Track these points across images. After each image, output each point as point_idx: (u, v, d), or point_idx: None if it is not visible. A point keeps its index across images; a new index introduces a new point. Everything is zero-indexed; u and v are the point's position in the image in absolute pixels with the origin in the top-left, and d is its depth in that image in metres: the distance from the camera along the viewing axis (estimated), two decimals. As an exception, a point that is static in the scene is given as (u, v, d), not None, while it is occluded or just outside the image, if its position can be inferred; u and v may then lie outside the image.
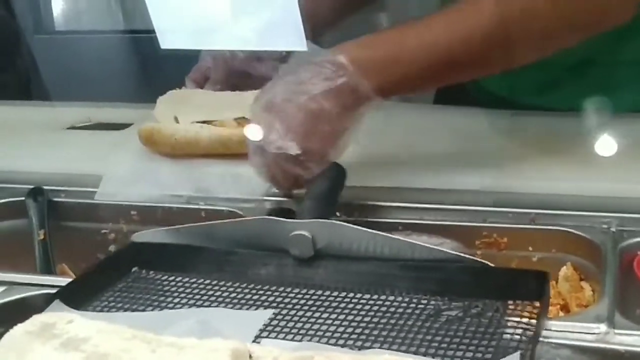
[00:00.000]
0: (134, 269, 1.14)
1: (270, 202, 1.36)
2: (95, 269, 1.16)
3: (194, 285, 1.09)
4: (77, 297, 1.06)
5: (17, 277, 1.18)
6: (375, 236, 1.07)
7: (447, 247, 1.26)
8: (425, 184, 1.35)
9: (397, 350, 0.91)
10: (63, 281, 1.18)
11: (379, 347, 0.91)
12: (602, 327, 0.98)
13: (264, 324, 0.98)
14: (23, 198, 1.44)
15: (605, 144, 1.40)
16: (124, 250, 1.18)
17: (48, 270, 1.34)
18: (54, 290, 1.13)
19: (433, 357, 0.88)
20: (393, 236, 1.08)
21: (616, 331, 0.98)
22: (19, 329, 0.91)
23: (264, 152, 1.26)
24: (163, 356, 0.85)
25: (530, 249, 1.24)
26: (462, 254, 1.04)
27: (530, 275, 1.02)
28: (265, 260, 1.10)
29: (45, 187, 1.45)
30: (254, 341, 0.94)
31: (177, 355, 0.85)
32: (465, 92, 1.69)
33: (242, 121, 1.43)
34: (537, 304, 0.97)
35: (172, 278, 1.11)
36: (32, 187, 1.46)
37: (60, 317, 0.92)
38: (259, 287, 1.07)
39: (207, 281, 1.09)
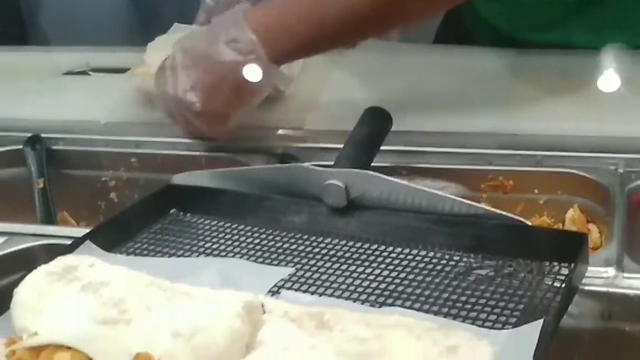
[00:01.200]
0: (172, 211, 1.13)
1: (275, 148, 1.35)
2: (130, 210, 1.14)
3: (228, 229, 1.08)
4: (109, 238, 1.04)
5: (17, 227, 1.17)
6: (411, 189, 1.04)
7: (450, 191, 1.25)
8: (429, 127, 1.33)
9: (419, 309, 0.88)
10: (63, 231, 1.18)
11: (401, 305, 0.89)
12: (611, 271, 0.97)
13: (289, 275, 0.96)
14: (21, 146, 1.42)
15: (614, 83, 1.37)
16: (161, 191, 1.16)
17: (49, 219, 1.32)
18: (54, 241, 1.13)
19: (454, 318, 0.86)
20: (429, 190, 1.05)
21: (625, 275, 0.97)
22: (42, 270, 0.91)
23: (168, 99, 1.29)
24: (176, 304, 0.86)
25: (537, 191, 1.22)
26: (500, 212, 1.00)
27: (568, 237, 0.98)
28: (299, 208, 1.08)
29: (44, 135, 1.43)
30: (274, 292, 0.93)
31: (190, 304, 0.86)
32: (467, 29, 1.66)
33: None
34: (573, 266, 0.92)
35: (208, 222, 1.10)
36: (29, 135, 1.43)
37: (82, 260, 0.93)
38: (291, 235, 1.05)
39: (242, 226, 1.08)
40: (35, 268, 0.92)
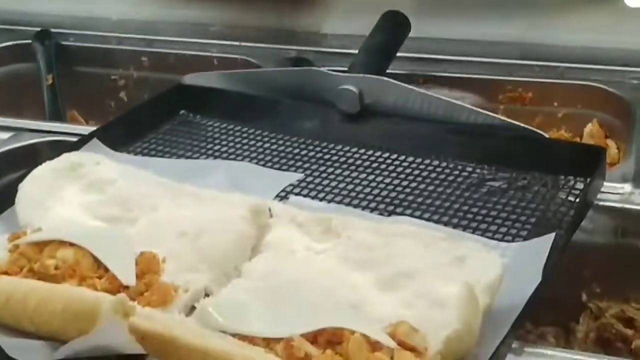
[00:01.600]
0: (181, 112, 1.11)
1: (288, 52, 1.32)
2: (139, 109, 1.12)
3: (238, 133, 1.06)
4: (117, 136, 1.03)
5: (25, 123, 1.16)
6: (427, 96, 1.02)
7: (467, 101, 1.22)
8: (447, 34, 1.30)
9: (429, 219, 0.87)
10: (71, 128, 1.16)
11: (411, 214, 0.88)
12: (627, 187, 0.95)
13: (298, 180, 0.95)
14: (30, 41, 1.39)
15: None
16: (171, 91, 1.13)
17: (57, 116, 1.31)
18: (62, 138, 1.12)
19: (465, 229, 0.84)
20: (445, 98, 1.03)
21: (641, 191, 0.95)
22: (48, 165, 0.91)
23: None
24: (182, 205, 0.85)
25: (556, 104, 1.20)
26: (517, 123, 0.97)
27: (586, 150, 0.96)
28: (312, 113, 1.06)
29: (53, 30, 1.41)
30: (282, 197, 0.91)
31: (196, 205, 0.85)
32: None
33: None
34: (589, 181, 0.90)
35: (218, 124, 1.08)
36: (39, 29, 1.41)
37: (88, 158, 0.92)
38: (302, 140, 1.04)
39: (252, 130, 1.06)
40: (41, 164, 0.91)
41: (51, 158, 0.93)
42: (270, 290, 0.75)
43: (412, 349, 0.67)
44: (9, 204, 0.88)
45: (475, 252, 0.75)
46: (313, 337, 0.67)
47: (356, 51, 1.15)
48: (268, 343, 0.67)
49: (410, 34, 1.25)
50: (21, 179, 0.89)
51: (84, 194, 0.89)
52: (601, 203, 0.94)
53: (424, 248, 0.77)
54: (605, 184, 0.95)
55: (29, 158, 1.08)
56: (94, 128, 1.04)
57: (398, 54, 1.20)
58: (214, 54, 1.34)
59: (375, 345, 0.66)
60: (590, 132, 1.16)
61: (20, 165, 1.04)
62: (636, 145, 1.03)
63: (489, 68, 1.24)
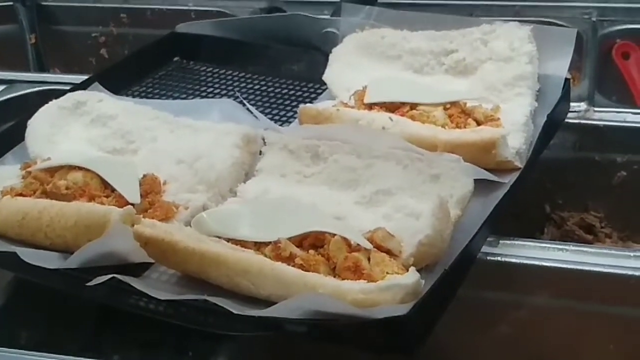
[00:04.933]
0: (175, 59, 1.17)
1: (263, 2, 1.38)
2: (135, 56, 1.18)
3: (230, 76, 1.13)
4: (115, 81, 1.08)
5: (16, 75, 1.21)
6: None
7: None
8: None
9: None
10: (62, 78, 1.21)
11: None
12: (583, 105, 1.04)
13: (287, 116, 1.02)
14: (11, 2, 1.43)
15: None
16: (165, 38, 1.19)
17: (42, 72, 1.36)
18: (52, 87, 1.17)
19: None
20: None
21: (595, 109, 1.04)
22: (53, 104, 0.97)
23: None
24: (180, 136, 0.92)
25: (514, 40, 1.27)
26: None
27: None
28: (298, 56, 1.13)
29: (34, -9, 1.44)
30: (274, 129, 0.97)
31: (193, 136, 0.92)
32: None
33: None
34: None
35: (211, 69, 1.15)
36: (20, -10, 1.44)
37: (91, 96, 0.99)
38: (290, 81, 1.10)
39: (242, 74, 1.13)
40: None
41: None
42: (260, 204, 0.83)
43: (387, 252, 0.74)
44: (19, 139, 0.94)
45: (449, 170, 0.81)
46: (298, 242, 0.75)
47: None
48: (258, 247, 0.74)
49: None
50: (30, 116, 0.95)
51: (89, 129, 0.96)
52: (560, 120, 1.03)
53: (402, 168, 0.83)
54: (564, 102, 1.05)
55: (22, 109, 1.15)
56: (86, 77, 1.09)
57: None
58: (190, 7, 1.39)
59: (353, 247, 0.73)
60: (547, 64, 1.24)
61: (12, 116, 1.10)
62: (588, 71, 1.11)
63: (452, 9, 1.30)
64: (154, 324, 0.74)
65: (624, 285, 0.80)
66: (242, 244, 0.75)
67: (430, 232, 0.73)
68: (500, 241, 0.85)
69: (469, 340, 0.85)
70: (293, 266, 0.72)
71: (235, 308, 0.70)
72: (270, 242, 0.74)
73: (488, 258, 0.83)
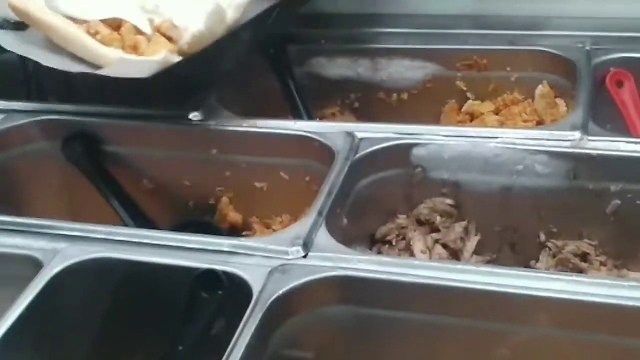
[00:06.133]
0: None
1: None
2: None
3: None
4: None
5: (15, 104, 1.23)
6: None
7: (427, 70, 1.32)
8: (407, 10, 1.39)
9: None
10: (59, 107, 1.23)
11: None
12: (577, 134, 1.05)
13: None
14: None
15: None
16: None
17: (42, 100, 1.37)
18: (52, 116, 1.19)
19: None
20: None
21: (589, 138, 1.05)
22: None
23: None
24: None
25: (509, 69, 1.29)
26: None
27: None
28: None
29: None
30: None
31: None
32: None
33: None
34: None
35: None
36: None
37: None
38: None
39: None
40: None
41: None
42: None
43: (169, 38, 1.10)
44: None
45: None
46: (109, 24, 1.10)
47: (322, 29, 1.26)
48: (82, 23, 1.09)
49: (375, 11, 1.34)
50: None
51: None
52: (554, 149, 1.04)
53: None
54: (557, 132, 1.06)
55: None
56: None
57: (366, 30, 1.30)
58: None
59: (139, 31, 1.10)
60: (541, 93, 1.25)
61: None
62: (582, 100, 1.12)
63: (446, 39, 1.32)
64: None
65: (617, 315, 0.81)
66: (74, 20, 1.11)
67: (203, 27, 1.08)
68: (496, 270, 0.86)
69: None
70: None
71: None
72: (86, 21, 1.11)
73: (483, 288, 0.84)
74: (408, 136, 1.08)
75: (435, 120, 1.33)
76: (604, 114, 1.19)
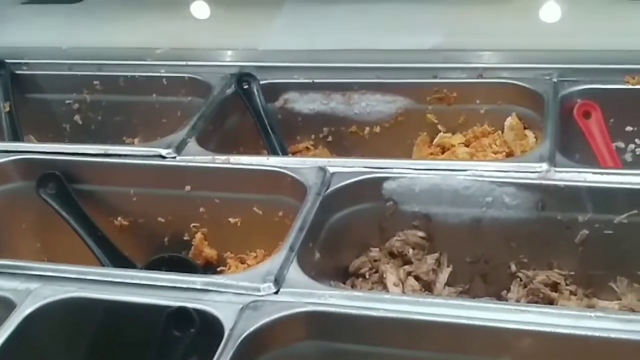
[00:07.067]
0: None
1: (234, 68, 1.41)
2: None
3: None
4: None
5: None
6: None
7: (399, 104, 1.33)
8: (379, 45, 1.40)
9: None
10: (34, 147, 1.24)
11: None
12: (544, 166, 1.07)
13: None
14: (-14, 73, 1.47)
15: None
16: None
17: (16, 140, 1.37)
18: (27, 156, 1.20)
19: None
20: None
21: (557, 169, 1.06)
22: None
23: None
24: None
25: (478, 101, 1.31)
26: None
27: None
28: None
29: (8, 60, 1.48)
30: None
31: None
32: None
33: None
34: None
35: None
36: (-6, 61, 1.48)
37: None
38: None
39: None
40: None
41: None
42: None
43: None
44: None
45: None
46: None
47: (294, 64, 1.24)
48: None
49: (344, 47, 1.36)
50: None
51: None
52: (522, 181, 1.06)
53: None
54: (525, 164, 1.08)
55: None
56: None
57: (334, 65, 1.32)
58: (162, 74, 1.42)
59: None
60: (511, 125, 1.27)
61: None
62: (549, 131, 1.14)
63: (417, 73, 1.34)
64: None
65: (584, 345, 0.82)
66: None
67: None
68: (466, 303, 0.87)
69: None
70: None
71: None
72: None
73: (453, 321, 0.85)
74: (379, 170, 1.10)
75: (408, 152, 1.34)
76: (573, 145, 1.22)
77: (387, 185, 1.09)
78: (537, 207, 1.06)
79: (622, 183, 1.04)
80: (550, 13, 1.42)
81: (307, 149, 1.38)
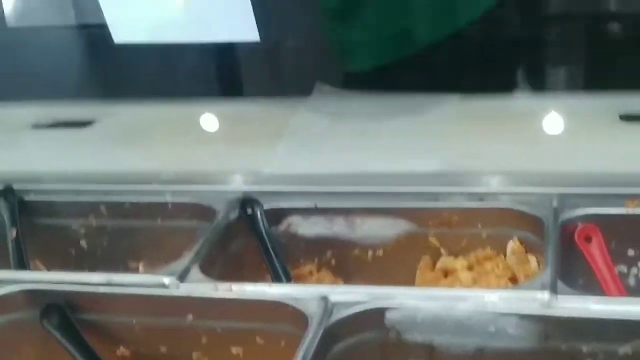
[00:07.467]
0: None
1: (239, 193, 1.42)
2: None
3: None
4: None
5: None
6: None
7: (401, 228, 1.34)
8: (379, 169, 1.42)
9: None
10: (38, 277, 1.24)
11: None
12: (545, 295, 1.07)
13: None
14: (-6, 199, 1.49)
15: (547, 125, 1.48)
16: None
17: (22, 267, 1.38)
18: (31, 286, 1.20)
19: None
20: None
21: (559, 297, 1.06)
22: None
23: None
24: None
25: (480, 226, 1.32)
26: None
27: None
28: None
29: (15, 187, 1.49)
30: None
31: None
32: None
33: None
34: None
35: None
36: (1, 187, 1.49)
37: None
38: None
39: None
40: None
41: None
42: None
43: None
44: None
45: None
46: None
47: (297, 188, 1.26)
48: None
49: (348, 171, 1.38)
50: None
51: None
52: (524, 312, 1.05)
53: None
54: (528, 292, 1.07)
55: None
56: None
57: (337, 190, 1.34)
58: (167, 199, 1.43)
59: None
60: (512, 249, 1.28)
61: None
62: (550, 258, 1.14)
63: (418, 197, 1.35)
64: None
65: None
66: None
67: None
68: None
69: None
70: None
71: None
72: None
73: None
74: (381, 299, 1.10)
75: (411, 274, 1.34)
76: (576, 269, 1.22)
77: (389, 315, 1.09)
78: (540, 337, 1.05)
79: (626, 312, 1.03)
80: (550, 135, 1.44)
81: (311, 273, 1.39)
